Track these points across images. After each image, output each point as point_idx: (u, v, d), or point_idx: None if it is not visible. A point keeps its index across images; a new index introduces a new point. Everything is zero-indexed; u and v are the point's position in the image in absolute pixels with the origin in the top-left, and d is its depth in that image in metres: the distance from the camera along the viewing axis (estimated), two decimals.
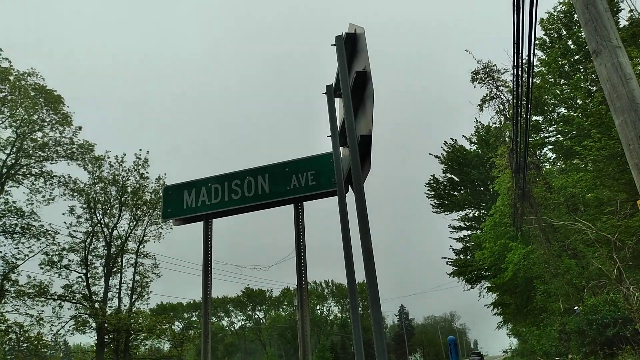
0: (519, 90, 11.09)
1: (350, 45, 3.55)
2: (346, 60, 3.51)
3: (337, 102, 4.02)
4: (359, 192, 2.95)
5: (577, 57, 18.91)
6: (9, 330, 25.78)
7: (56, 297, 27.67)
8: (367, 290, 2.83)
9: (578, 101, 19.24)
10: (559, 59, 19.38)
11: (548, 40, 20.41)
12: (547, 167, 23.28)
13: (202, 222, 5.12)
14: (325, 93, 3.93)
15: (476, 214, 34.23)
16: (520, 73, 10.44)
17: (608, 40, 5.44)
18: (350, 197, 3.77)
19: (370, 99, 3.04)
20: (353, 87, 3.32)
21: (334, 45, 3.55)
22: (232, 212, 5.09)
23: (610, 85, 5.34)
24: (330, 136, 3.86)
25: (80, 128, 28.61)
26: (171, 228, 31.59)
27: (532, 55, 8.90)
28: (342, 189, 3.70)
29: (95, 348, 29.06)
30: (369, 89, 3.10)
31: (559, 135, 20.60)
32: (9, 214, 26.24)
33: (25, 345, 26.81)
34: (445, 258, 35.50)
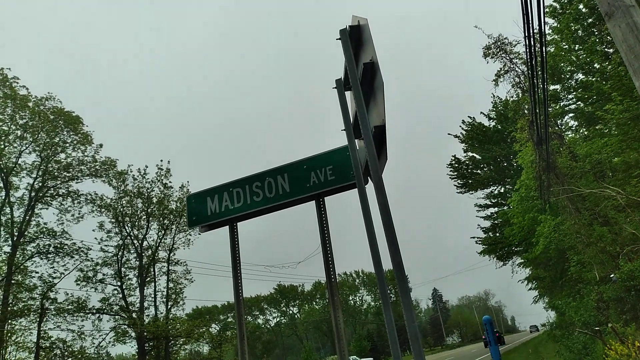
0: (534, 60, 10.85)
1: (355, 38, 3.54)
2: (352, 52, 3.51)
3: (348, 95, 4.01)
4: (378, 182, 2.95)
5: (590, 20, 18.38)
6: (53, 346, 26.57)
7: (94, 311, 28.42)
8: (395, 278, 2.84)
9: (595, 65, 18.74)
10: (572, 24, 18.87)
11: (558, 6, 19.90)
12: (570, 135, 22.78)
13: (227, 226, 5.20)
14: (336, 87, 3.94)
15: (501, 190, 33.75)
16: (532, 43, 10.22)
17: (620, 0, 5.29)
18: (370, 187, 3.77)
19: (381, 89, 3.04)
20: (362, 78, 3.32)
21: (339, 39, 3.55)
22: (255, 214, 5.14)
23: (627, 46, 5.19)
24: (344, 130, 3.86)
25: (101, 145, 29.25)
26: (199, 234, 32.08)
27: (542, 23, 8.70)
28: (361, 181, 3.71)
29: (136, 357, 29.76)
30: (378, 80, 3.09)
31: (579, 102, 20.12)
32: (42, 235, 26.98)
33: (69, 359, 27.61)
34: (474, 237, 35.17)
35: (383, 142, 3.22)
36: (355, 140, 3.94)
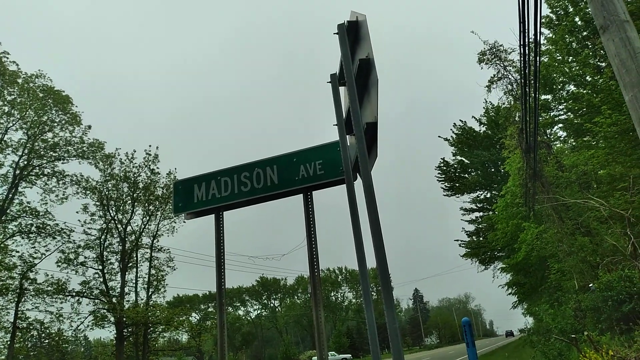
0: (527, 69, 10.94)
1: (352, 33, 3.54)
2: (349, 48, 3.51)
3: (342, 90, 4.01)
4: (366, 180, 2.96)
5: (585, 33, 18.57)
6: (30, 327, 26.35)
7: (74, 294, 28.17)
8: (379, 276, 2.86)
9: (587, 78, 18.95)
10: (567, 36, 19.04)
11: (554, 17, 20.07)
12: (558, 145, 23.04)
13: (214, 215, 5.18)
14: (330, 82, 3.93)
15: (487, 196, 34.07)
16: (527, 52, 10.30)
17: (615, 14, 5.34)
18: (358, 184, 3.79)
19: (375, 86, 3.05)
20: (357, 74, 3.32)
21: (337, 33, 3.55)
22: (242, 204, 5.13)
23: (619, 60, 5.26)
24: (336, 125, 3.86)
25: (89, 127, 28.88)
26: (184, 222, 31.93)
27: (538, 33, 8.78)
28: (350, 177, 3.72)
29: (114, 342, 29.59)
30: (372, 76, 3.10)
31: (569, 113, 20.33)
32: (24, 214, 26.65)
33: (46, 341, 27.40)
34: (458, 240, 35.50)
35: (374, 139, 3.23)
36: (347, 136, 3.94)
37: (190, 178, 5.36)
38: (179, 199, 5.32)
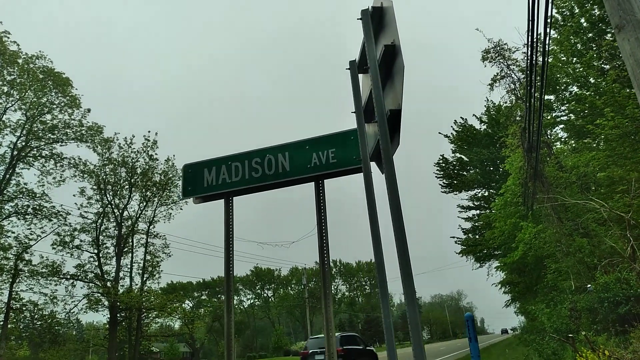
0: (533, 68, 10.90)
1: (377, 19, 3.48)
2: (373, 34, 3.45)
3: (360, 78, 3.96)
4: (389, 167, 2.92)
5: (590, 35, 18.55)
6: (24, 308, 26.32)
7: (69, 277, 28.13)
8: (398, 268, 2.84)
9: (591, 79, 18.93)
10: (572, 37, 19.00)
11: (560, 18, 20.02)
12: (559, 146, 23.06)
13: (223, 200, 5.13)
14: (349, 69, 3.88)
15: (485, 194, 34.12)
16: (534, 53, 10.24)
17: (632, 14, 5.31)
18: (374, 174, 3.76)
19: (400, 72, 3.00)
20: (381, 61, 3.27)
21: (360, 19, 3.49)
22: (252, 190, 5.10)
23: (634, 60, 5.22)
24: (354, 112, 3.82)
25: (89, 110, 28.70)
26: (181, 209, 31.91)
27: (547, 35, 8.73)
28: (368, 166, 3.68)
29: (107, 326, 29.59)
30: (398, 63, 3.05)
31: (571, 114, 20.33)
32: (21, 196, 26.51)
33: (39, 323, 27.39)
34: (454, 237, 35.58)
35: (397, 127, 3.19)
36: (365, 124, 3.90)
37: (200, 162, 5.30)
38: (188, 183, 5.27)
